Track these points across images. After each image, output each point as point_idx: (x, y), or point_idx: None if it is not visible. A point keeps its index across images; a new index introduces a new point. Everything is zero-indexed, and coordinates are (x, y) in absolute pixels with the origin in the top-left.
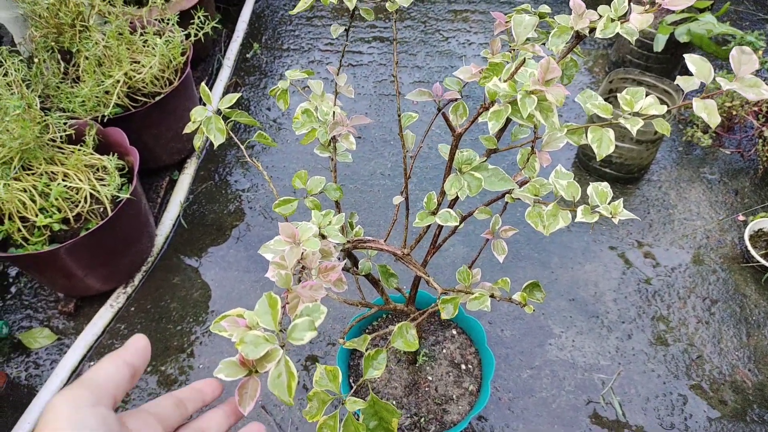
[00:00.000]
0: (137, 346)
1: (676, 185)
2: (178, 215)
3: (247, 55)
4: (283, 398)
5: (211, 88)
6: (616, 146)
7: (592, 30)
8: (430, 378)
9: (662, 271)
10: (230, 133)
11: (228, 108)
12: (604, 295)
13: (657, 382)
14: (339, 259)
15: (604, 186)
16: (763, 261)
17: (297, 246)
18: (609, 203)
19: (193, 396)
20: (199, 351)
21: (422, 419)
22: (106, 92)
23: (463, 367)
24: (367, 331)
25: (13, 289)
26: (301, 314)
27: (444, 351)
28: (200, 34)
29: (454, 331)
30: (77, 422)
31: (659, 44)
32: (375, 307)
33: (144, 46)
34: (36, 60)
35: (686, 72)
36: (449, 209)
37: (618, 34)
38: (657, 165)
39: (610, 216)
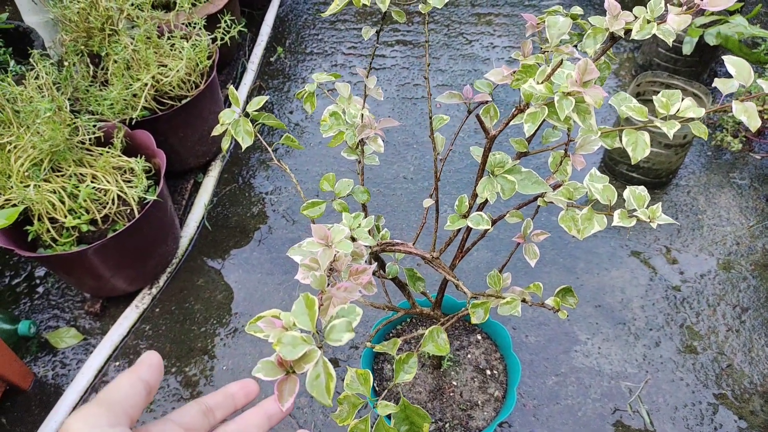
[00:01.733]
0: (151, 363)
1: (705, 190)
2: (203, 217)
3: (271, 59)
4: (321, 400)
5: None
6: None
7: (627, 31)
8: (454, 383)
9: (691, 277)
10: (258, 135)
11: (255, 111)
12: (631, 301)
13: (686, 391)
14: (367, 262)
15: (641, 190)
16: None
17: (330, 248)
18: (647, 207)
19: (225, 402)
20: (223, 353)
21: (447, 425)
22: (134, 95)
23: (488, 372)
24: (391, 335)
25: (40, 289)
26: (336, 316)
27: (469, 356)
28: (226, 38)
29: (479, 336)
30: None
31: (688, 47)
32: (402, 310)
33: (171, 50)
34: (66, 63)
35: (716, 75)
36: (480, 212)
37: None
38: (685, 170)
39: (648, 220)
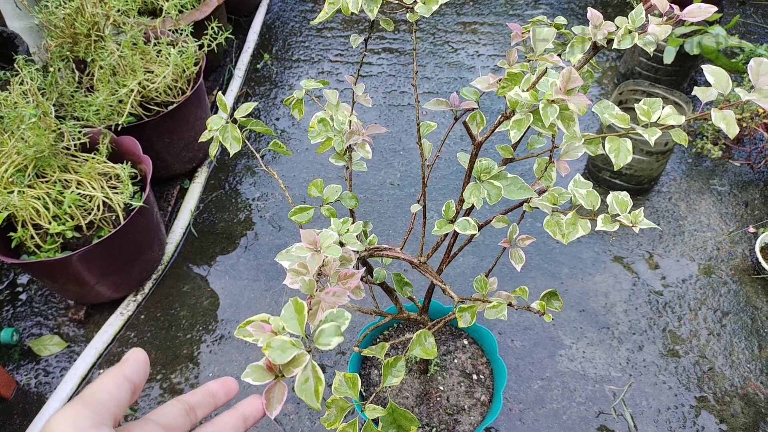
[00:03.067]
0: (137, 361)
1: (686, 197)
2: (189, 223)
3: (258, 66)
4: (310, 403)
5: None
6: None
7: (610, 41)
8: (441, 388)
9: (673, 282)
10: (246, 141)
11: (243, 117)
12: (614, 306)
13: (668, 394)
14: (355, 267)
15: (624, 195)
16: None
17: (318, 253)
18: (629, 212)
19: (205, 401)
20: (209, 360)
21: (434, 429)
22: (120, 101)
23: (475, 377)
24: (378, 340)
25: (23, 296)
26: (325, 320)
27: (455, 361)
28: (213, 45)
29: (466, 341)
30: None
31: (669, 56)
32: (389, 315)
33: (157, 56)
34: (51, 69)
35: (696, 84)
36: (467, 218)
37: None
38: (667, 176)
39: (631, 225)
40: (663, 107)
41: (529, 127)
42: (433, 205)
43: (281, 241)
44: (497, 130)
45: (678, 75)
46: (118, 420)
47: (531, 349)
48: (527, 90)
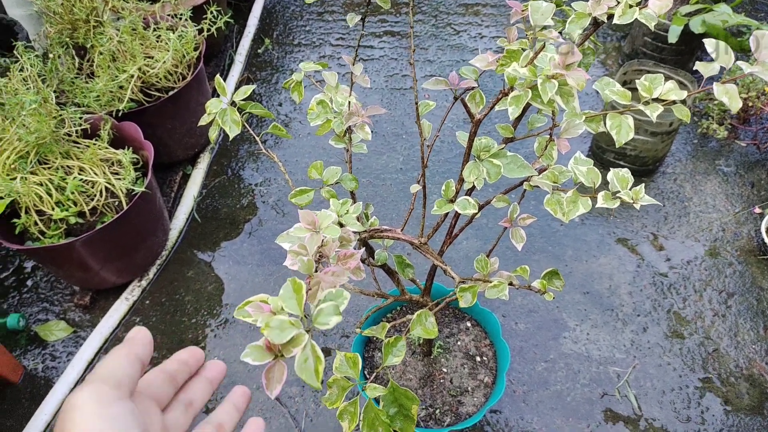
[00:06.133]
0: (144, 340)
1: (692, 178)
2: (192, 209)
3: (259, 51)
4: (310, 382)
5: None
6: (632, 138)
7: (610, 16)
8: (445, 370)
9: (678, 263)
10: (245, 125)
11: (242, 100)
12: (619, 288)
13: (673, 376)
14: (355, 248)
15: (625, 172)
16: None
17: (317, 233)
18: (630, 189)
19: (182, 368)
20: (214, 344)
21: (437, 410)
22: (120, 87)
23: (478, 359)
24: (381, 322)
25: (29, 282)
26: (324, 299)
27: (459, 343)
28: (213, 29)
29: (469, 324)
30: (108, 419)
31: (674, 35)
32: (391, 297)
33: (157, 42)
34: (51, 55)
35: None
36: (467, 197)
37: (632, 25)
38: (672, 157)
39: (632, 201)
40: (664, 83)
41: (529, 105)
42: (435, 188)
43: (285, 226)
44: (496, 108)
45: (683, 55)
46: (132, 392)
47: (535, 332)
48: (525, 66)
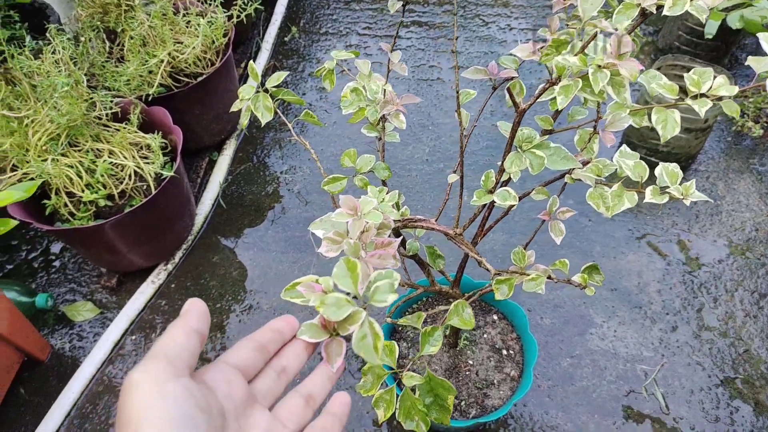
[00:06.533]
0: (199, 311)
1: (725, 176)
2: (217, 195)
3: (285, 39)
4: (369, 359)
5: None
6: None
7: (659, 7)
8: (470, 362)
9: (709, 262)
10: (278, 111)
11: (274, 87)
12: (648, 285)
13: (702, 375)
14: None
15: (674, 166)
16: None
17: (359, 218)
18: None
19: (274, 338)
20: (238, 329)
21: (463, 402)
22: (150, 72)
23: (505, 352)
24: (407, 313)
25: (57, 264)
26: (376, 279)
27: (485, 336)
28: (242, 16)
29: (495, 317)
30: (165, 397)
31: (711, 30)
32: (420, 288)
33: (187, 27)
34: (82, 39)
35: (737, 61)
36: (506, 188)
37: (665, 20)
38: (704, 155)
39: (681, 197)
40: (714, 77)
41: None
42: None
43: (309, 214)
44: (539, 99)
45: (718, 51)
46: (193, 368)
47: (561, 327)
48: (576, 55)
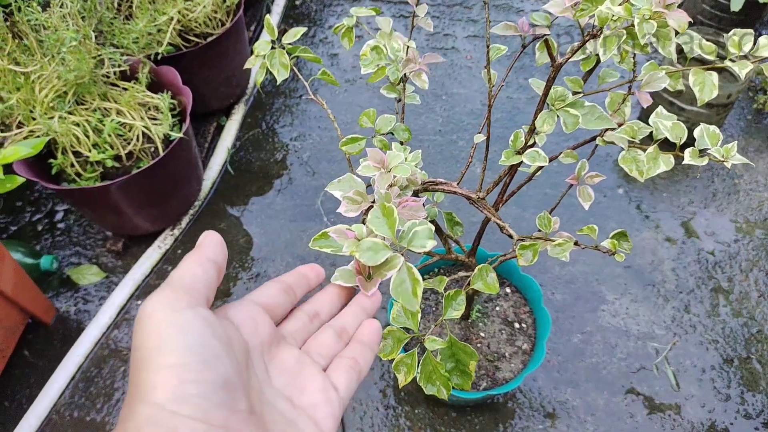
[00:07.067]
0: (214, 242)
1: (743, 154)
2: (225, 161)
3: (296, 2)
4: (408, 305)
5: (259, 36)
6: (684, 110)
7: None
8: (482, 335)
9: (725, 241)
10: (294, 69)
11: (290, 44)
12: (662, 263)
13: (714, 354)
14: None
15: (714, 128)
16: None
17: (387, 172)
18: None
19: (300, 281)
20: (245, 295)
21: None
22: (159, 30)
23: (517, 325)
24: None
25: (62, 226)
26: (412, 226)
27: (497, 309)
28: None
29: (508, 290)
30: (180, 326)
31: (737, 4)
32: (437, 256)
33: None
34: None
35: (760, 35)
36: (536, 149)
37: None
38: (724, 132)
39: (722, 159)
40: (758, 35)
41: (598, 62)
42: (477, 153)
43: (318, 182)
44: (570, 59)
45: (742, 25)
46: (210, 301)
47: (572, 303)
48: (620, 4)
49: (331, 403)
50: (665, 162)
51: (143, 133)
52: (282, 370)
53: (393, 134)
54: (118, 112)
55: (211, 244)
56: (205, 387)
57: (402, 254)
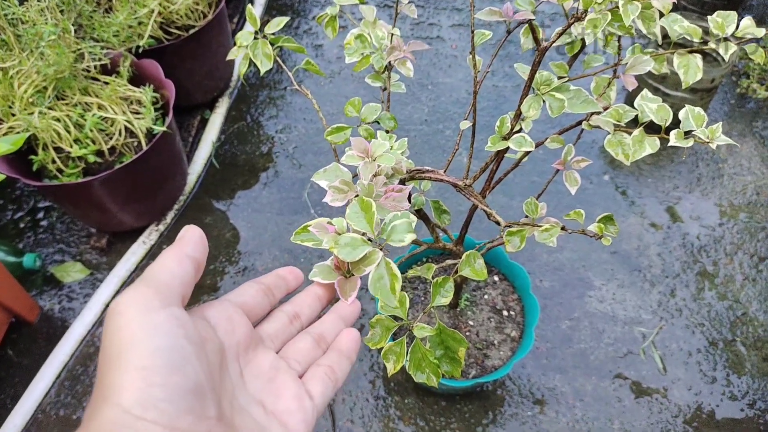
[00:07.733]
0: (194, 237)
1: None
2: (210, 155)
3: None
4: (387, 301)
5: (242, 28)
6: (668, 96)
7: None
8: (471, 323)
9: (709, 225)
10: (278, 59)
11: (273, 34)
12: (648, 248)
13: (700, 338)
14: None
15: (699, 110)
16: None
17: (372, 161)
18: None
19: (279, 283)
20: (231, 290)
21: (463, 362)
22: (140, 23)
23: (505, 313)
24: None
25: (44, 224)
26: (393, 219)
27: (485, 297)
28: None
29: (496, 278)
30: (151, 327)
31: None
32: (424, 245)
33: None
34: None
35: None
36: (523, 134)
37: None
38: (708, 117)
39: (707, 140)
40: (740, 19)
41: (583, 47)
42: (463, 141)
43: (304, 175)
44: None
45: (725, 9)
46: (186, 300)
47: (560, 290)
48: None
49: (304, 410)
50: (651, 144)
51: (126, 127)
52: (257, 374)
53: (379, 123)
54: (100, 107)
55: (191, 240)
56: (173, 391)
57: (382, 248)
